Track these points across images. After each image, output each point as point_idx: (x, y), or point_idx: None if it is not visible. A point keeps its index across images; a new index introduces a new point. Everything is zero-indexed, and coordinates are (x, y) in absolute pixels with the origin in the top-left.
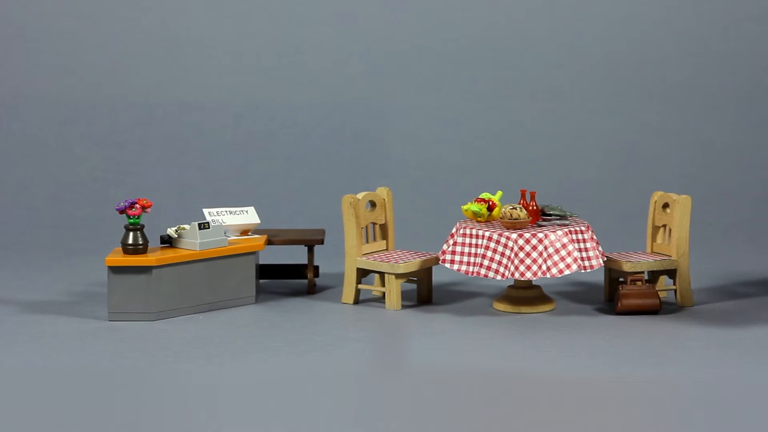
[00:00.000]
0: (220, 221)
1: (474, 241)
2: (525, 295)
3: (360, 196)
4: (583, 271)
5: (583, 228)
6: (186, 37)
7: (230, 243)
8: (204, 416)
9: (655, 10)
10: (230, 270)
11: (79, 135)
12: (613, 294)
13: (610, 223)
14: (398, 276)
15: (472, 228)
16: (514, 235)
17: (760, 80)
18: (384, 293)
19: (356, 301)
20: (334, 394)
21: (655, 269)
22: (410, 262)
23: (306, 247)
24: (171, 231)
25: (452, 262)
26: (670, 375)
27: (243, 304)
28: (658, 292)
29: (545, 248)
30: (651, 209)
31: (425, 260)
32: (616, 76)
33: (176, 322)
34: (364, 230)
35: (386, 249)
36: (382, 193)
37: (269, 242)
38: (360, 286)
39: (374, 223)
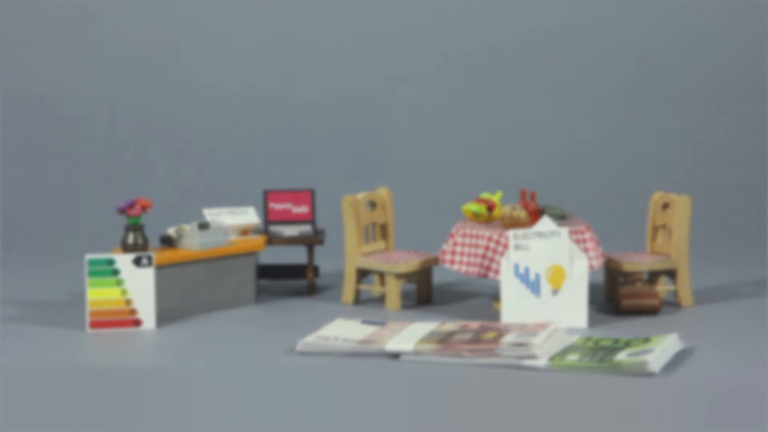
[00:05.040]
0: (220, 221)
1: (474, 241)
2: None
3: (360, 196)
4: None
5: (583, 228)
6: (186, 37)
7: (230, 243)
8: (204, 416)
9: (655, 9)
10: (230, 270)
11: (79, 135)
12: (612, 294)
13: (610, 223)
14: (398, 276)
15: (472, 228)
16: None
17: (760, 80)
18: (384, 293)
19: (356, 302)
20: (334, 395)
21: (655, 269)
22: (410, 262)
23: (306, 247)
24: (171, 231)
25: (452, 262)
26: (670, 375)
27: (243, 305)
28: (658, 292)
29: None
30: (651, 209)
31: (425, 260)
32: (616, 76)
33: (176, 322)
34: (363, 230)
35: (386, 249)
36: (382, 193)
37: (269, 242)
38: (360, 286)
39: (374, 224)
